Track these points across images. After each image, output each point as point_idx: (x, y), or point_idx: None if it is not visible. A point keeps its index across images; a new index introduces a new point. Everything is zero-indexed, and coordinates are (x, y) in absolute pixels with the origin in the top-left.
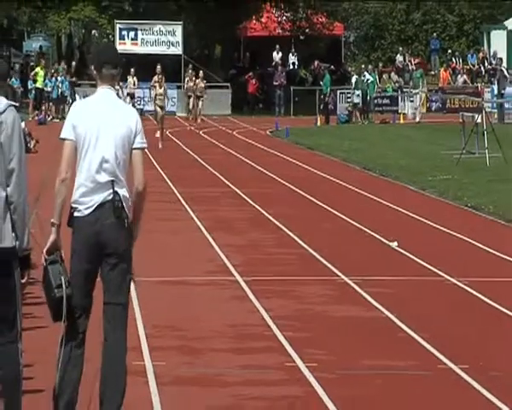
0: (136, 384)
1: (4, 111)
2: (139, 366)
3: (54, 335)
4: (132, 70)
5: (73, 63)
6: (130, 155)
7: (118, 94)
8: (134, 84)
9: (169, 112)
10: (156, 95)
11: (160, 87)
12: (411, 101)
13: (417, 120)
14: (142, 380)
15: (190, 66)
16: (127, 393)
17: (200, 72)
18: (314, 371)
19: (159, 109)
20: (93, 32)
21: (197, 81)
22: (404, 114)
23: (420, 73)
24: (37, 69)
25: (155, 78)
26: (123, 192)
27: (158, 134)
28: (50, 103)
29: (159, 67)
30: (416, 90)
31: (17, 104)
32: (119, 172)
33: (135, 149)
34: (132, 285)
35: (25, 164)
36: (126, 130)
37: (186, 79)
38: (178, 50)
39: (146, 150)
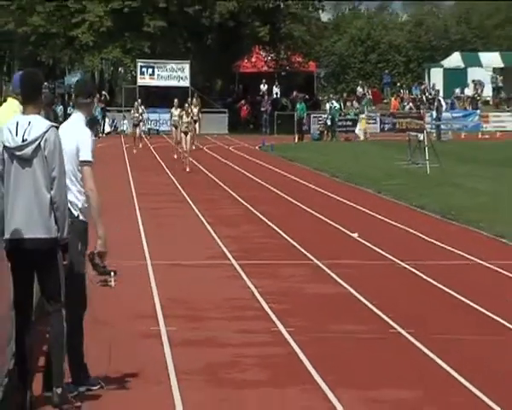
0: (153, 345)
1: (48, 130)
2: (155, 331)
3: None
4: (139, 100)
5: (104, 93)
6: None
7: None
8: (138, 111)
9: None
10: (183, 122)
11: (188, 116)
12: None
13: (361, 138)
14: (158, 342)
15: (196, 95)
16: (146, 351)
17: (194, 99)
18: (293, 335)
19: (183, 135)
20: (119, 68)
21: (192, 108)
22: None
23: (365, 102)
24: None
25: (183, 108)
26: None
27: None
28: None
29: (189, 101)
30: (362, 115)
31: (58, 125)
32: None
33: (80, 162)
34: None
35: (64, 172)
36: (74, 146)
37: (171, 110)
38: (186, 83)
39: (160, 161)
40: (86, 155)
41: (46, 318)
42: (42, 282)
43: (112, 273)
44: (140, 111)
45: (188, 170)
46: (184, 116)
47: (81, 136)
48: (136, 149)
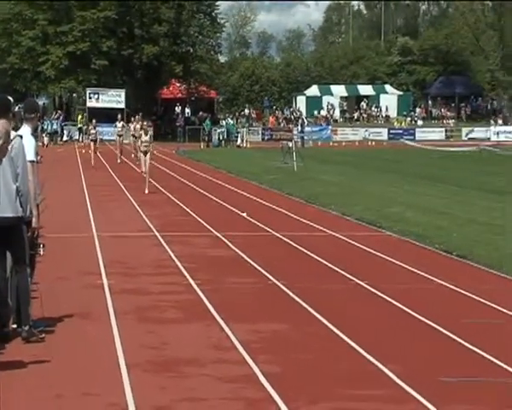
0: (98, 294)
1: (14, 138)
2: (99, 283)
3: None
4: (94, 121)
5: (59, 112)
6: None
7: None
8: (95, 129)
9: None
10: (142, 142)
11: (146, 134)
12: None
13: (244, 145)
14: (101, 291)
15: (140, 114)
16: (92, 298)
17: (137, 116)
18: (199, 286)
19: (142, 155)
20: (74, 94)
21: (135, 124)
22: (249, 141)
23: (243, 121)
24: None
25: (138, 126)
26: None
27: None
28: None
29: (146, 122)
30: (243, 129)
31: (21, 135)
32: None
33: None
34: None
35: (26, 169)
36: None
37: (134, 124)
38: (122, 105)
39: (104, 162)
40: (30, 155)
41: (16, 275)
42: (11, 249)
43: (41, 245)
44: (96, 130)
45: (146, 192)
46: (143, 135)
47: (27, 142)
48: (94, 161)
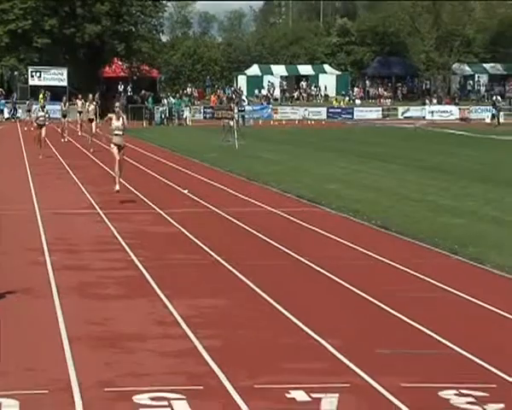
0: (41, 271)
1: None
2: (42, 260)
3: None
4: (41, 95)
5: (0, 89)
6: None
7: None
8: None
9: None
10: (113, 129)
11: (118, 119)
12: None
13: (189, 123)
14: (44, 268)
15: (92, 95)
16: (35, 275)
17: (90, 96)
18: (142, 262)
19: (115, 149)
20: (15, 72)
21: (88, 104)
22: (191, 120)
23: (186, 100)
24: None
25: (92, 107)
26: None
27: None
28: None
29: (117, 104)
30: (186, 107)
31: None
32: None
33: None
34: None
35: None
36: None
37: (80, 102)
38: (64, 83)
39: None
40: None
41: None
42: None
43: None
44: (45, 111)
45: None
46: (114, 120)
47: None
48: (41, 149)
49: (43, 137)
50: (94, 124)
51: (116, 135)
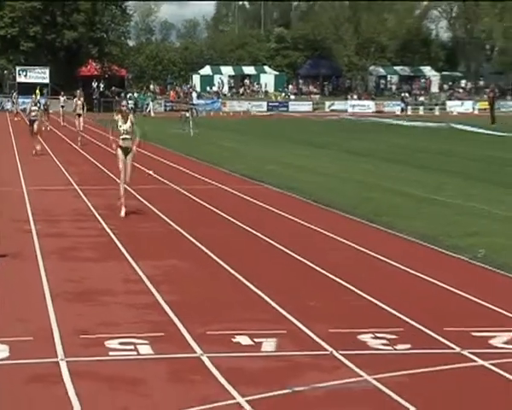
0: (27, 238)
1: None
2: (28, 229)
3: None
4: (37, 90)
5: None
6: None
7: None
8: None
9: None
10: (121, 133)
11: (126, 121)
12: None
13: (152, 115)
14: (30, 235)
15: (79, 91)
16: (22, 241)
17: (78, 91)
18: (112, 230)
19: (120, 154)
20: (5, 71)
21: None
22: (154, 112)
23: (150, 96)
24: None
25: (80, 102)
26: None
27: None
28: None
29: (124, 102)
30: (148, 101)
31: None
32: None
33: None
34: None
35: None
36: None
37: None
38: (47, 81)
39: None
40: None
41: None
42: None
43: None
44: (38, 107)
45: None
46: (120, 122)
47: None
48: (38, 147)
49: (35, 133)
50: (81, 119)
51: (124, 139)
